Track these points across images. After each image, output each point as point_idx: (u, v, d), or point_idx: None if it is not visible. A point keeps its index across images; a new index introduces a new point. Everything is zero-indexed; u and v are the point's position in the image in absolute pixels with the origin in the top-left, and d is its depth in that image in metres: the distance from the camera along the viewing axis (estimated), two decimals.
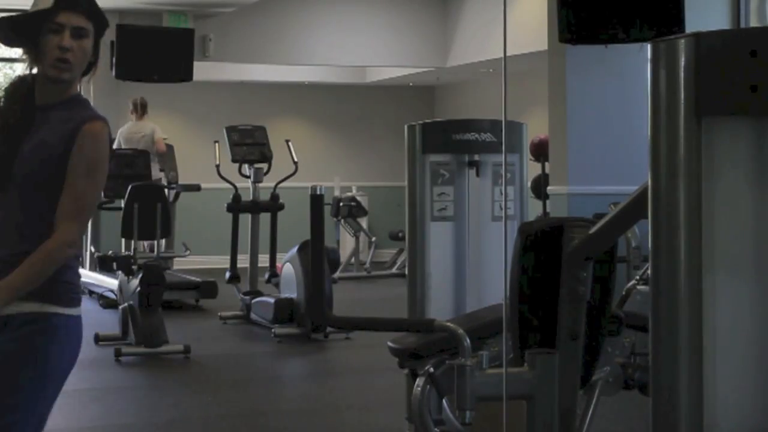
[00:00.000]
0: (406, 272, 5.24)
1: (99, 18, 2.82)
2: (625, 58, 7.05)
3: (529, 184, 8.59)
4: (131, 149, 10.28)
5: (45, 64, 2.77)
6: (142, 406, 6.44)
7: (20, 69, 2.92)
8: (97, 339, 8.00)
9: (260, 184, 9.81)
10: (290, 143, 10.35)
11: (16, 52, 2.93)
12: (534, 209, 7.55)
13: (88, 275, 9.99)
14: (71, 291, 2.81)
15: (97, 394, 6.56)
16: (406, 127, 5.18)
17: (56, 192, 2.75)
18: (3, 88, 2.94)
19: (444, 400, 3.29)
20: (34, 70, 2.85)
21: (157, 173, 10.87)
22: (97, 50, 2.84)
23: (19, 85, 2.87)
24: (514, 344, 2.66)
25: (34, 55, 2.81)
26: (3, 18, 2.86)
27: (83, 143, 2.74)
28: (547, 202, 8.57)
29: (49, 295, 2.75)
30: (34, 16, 2.78)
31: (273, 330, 8.64)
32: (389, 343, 3.95)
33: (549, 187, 8.11)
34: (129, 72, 9.75)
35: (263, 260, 9.93)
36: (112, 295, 9.54)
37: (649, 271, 1.68)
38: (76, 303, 2.82)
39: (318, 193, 4.03)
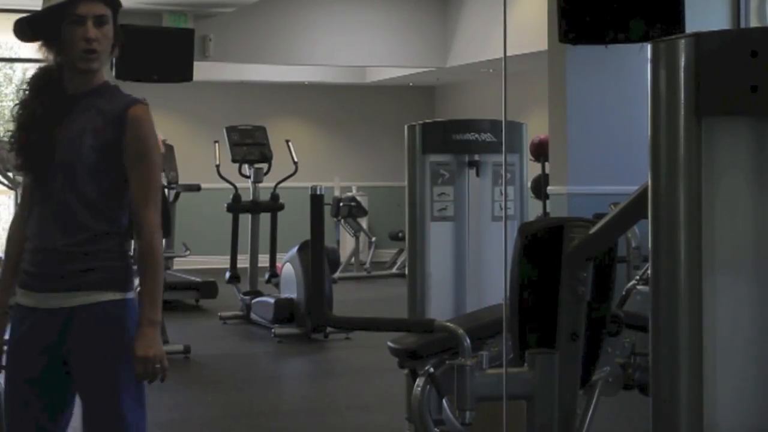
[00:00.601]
0: (406, 272, 5.24)
1: (114, 0, 2.85)
2: (625, 59, 7.03)
3: (529, 184, 8.58)
4: None
5: (72, 56, 2.80)
6: None
7: (19, 68, 2.94)
8: None
9: (260, 184, 9.81)
10: (290, 143, 10.35)
11: (16, 52, 2.96)
12: (534, 209, 7.55)
13: None
14: (129, 274, 2.87)
15: None
16: (406, 127, 5.18)
17: (104, 177, 2.79)
18: (26, 81, 2.96)
19: (444, 400, 3.30)
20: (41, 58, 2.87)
21: None
22: (117, 30, 2.86)
23: (43, 75, 2.89)
24: (514, 344, 2.66)
25: (56, 47, 2.83)
26: (22, 18, 2.87)
27: (133, 129, 2.80)
28: (547, 202, 8.56)
29: (112, 281, 2.82)
30: (53, 11, 2.80)
31: (273, 330, 8.63)
32: (389, 344, 3.95)
33: (549, 187, 8.10)
34: (129, 72, 9.73)
35: (263, 260, 9.92)
36: None
37: (649, 272, 1.67)
38: (133, 286, 2.88)
39: (318, 193, 4.03)
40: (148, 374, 2.80)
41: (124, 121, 2.79)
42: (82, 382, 2.82)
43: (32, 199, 2.87)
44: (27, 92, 2.90)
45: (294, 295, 8.83)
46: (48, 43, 2.84)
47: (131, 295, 2.85)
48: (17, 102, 2.96)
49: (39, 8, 2.85)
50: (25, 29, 2.89)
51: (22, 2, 11.10)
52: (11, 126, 2.93)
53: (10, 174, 8.54)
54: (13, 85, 17.37)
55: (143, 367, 2.78)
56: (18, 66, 17.10)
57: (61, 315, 2.78)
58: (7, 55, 16.06)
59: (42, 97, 2.85)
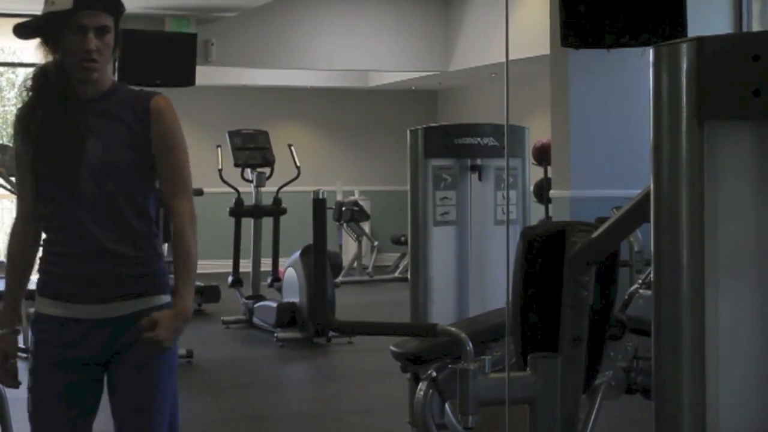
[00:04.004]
0: (409, 276, 5.24)
1: (117, 8, 2.80)
2: (627, 63, 7.04)
3: (532, 188, 8.58)
4: None
5: (72, 65, 2.75)
6: None
7: (22, 73, 2.91)
8: None
9: (263, 189, 9.82)
10: (293, 147, 10.36)
11: (18, 56, 2.94)
12: (536, 213, 7.55)
13: None
14: (169, 277, 2.85)
15: None
16: (408, 131, 5.18)
17: (136, 175, 2.74)
18: (25, 84, 2.85)
19: (446, 405, 3.30)
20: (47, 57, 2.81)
21: None
22: (118, 35, 2.81)
23: (42, 75, 2.80)
24: (516, 348, 2.66)
25: (53, 47, 2.77)
26: (22, 23, 2.82)
27: (158, 120, 2.79)
28: (550, 206, 8.57)
29: (153, 286, 2.78)
30: (54, 17, 2.74)
31: (275, 334, 8.63)
32: (392, 348, 3.95)
33: (551, 191, 8.10)
34: (131, 77, 9.72)
35: (266, 264, 9.92)
36: None
37: (651, 276, 1.67)
38: None
39: (320, 197, 4.04)
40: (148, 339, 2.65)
41: (147, 113, 2.77)
42: (122, 385, 2.82)
43: (52, 208, 2.78)
44: (30, 94, 2.81)
45: (296, 300, 8.83)
46: (48, 45, 2.78)
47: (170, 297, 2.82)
48: (21, 107, 2.85)
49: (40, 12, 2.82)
50: (25, 30, 2.85)
51: (24, 7, 11.13)
52: (16, 130, 2.82)
53: (13, 178, 8.55)
54: (16, 89, 17.40)
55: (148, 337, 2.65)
56: (21, 70, 17.15)
57: (110, 324, 2.76)
58: (9, 60, 16.11)
59: (50, 99, 2.77)
